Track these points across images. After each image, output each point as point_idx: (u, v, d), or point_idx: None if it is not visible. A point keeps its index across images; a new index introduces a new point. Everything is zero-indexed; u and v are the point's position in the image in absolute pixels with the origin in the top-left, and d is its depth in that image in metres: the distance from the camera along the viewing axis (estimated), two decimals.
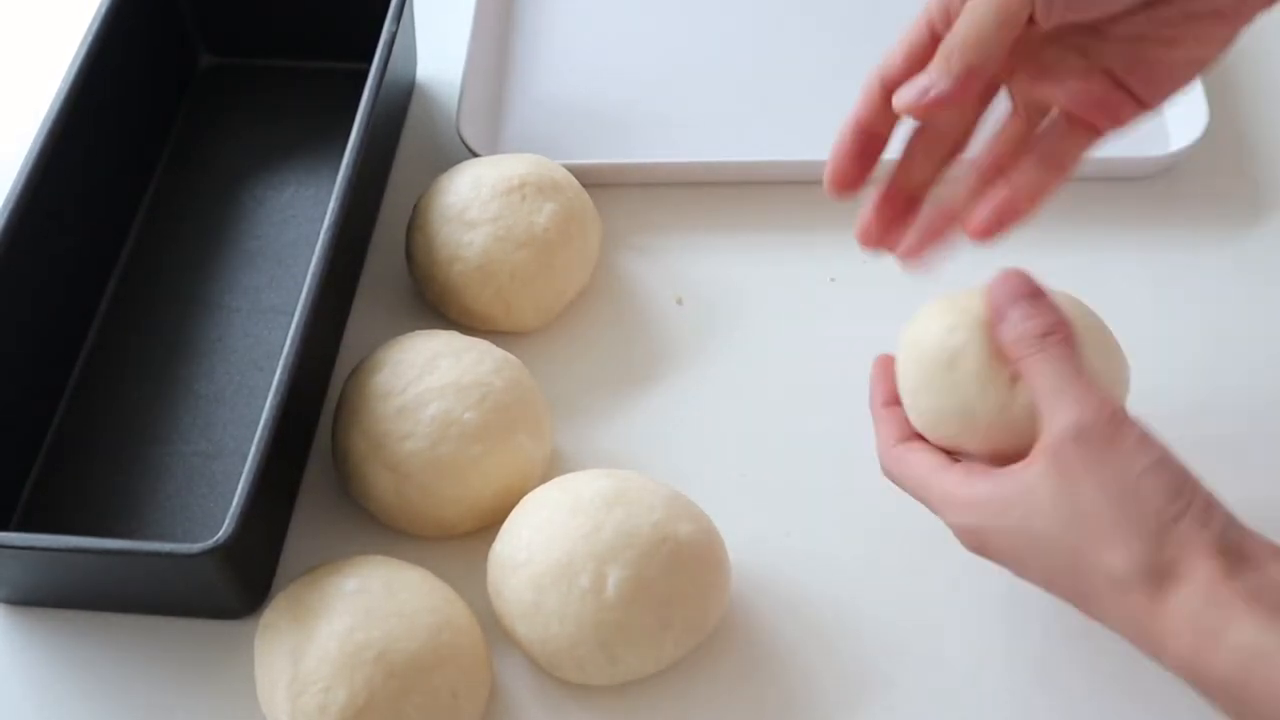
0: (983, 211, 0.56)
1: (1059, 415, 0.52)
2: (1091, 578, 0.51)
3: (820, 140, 0.80)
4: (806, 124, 0.81)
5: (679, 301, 0.74)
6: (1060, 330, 0.54)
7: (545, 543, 0.60)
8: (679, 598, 0.59)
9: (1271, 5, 0.54)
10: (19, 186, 0.68)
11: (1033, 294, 0.56)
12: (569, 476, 0.63)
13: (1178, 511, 0.49)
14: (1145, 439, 0.51)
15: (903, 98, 0.54)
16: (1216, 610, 0.47)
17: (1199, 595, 0.48)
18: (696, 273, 0.75)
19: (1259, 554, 0.49)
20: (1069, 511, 0.51)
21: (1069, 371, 0.53)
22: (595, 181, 0.76)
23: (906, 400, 0.59)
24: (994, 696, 0.61)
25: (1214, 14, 0.54)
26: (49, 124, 0.71)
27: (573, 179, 0.74)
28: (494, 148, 0.80)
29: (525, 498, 0.63)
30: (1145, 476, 0.50)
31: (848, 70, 0.85)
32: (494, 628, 0.62)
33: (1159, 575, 0.49)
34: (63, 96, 0.72)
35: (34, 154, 0.69)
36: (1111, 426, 0.51)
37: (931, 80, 0.53)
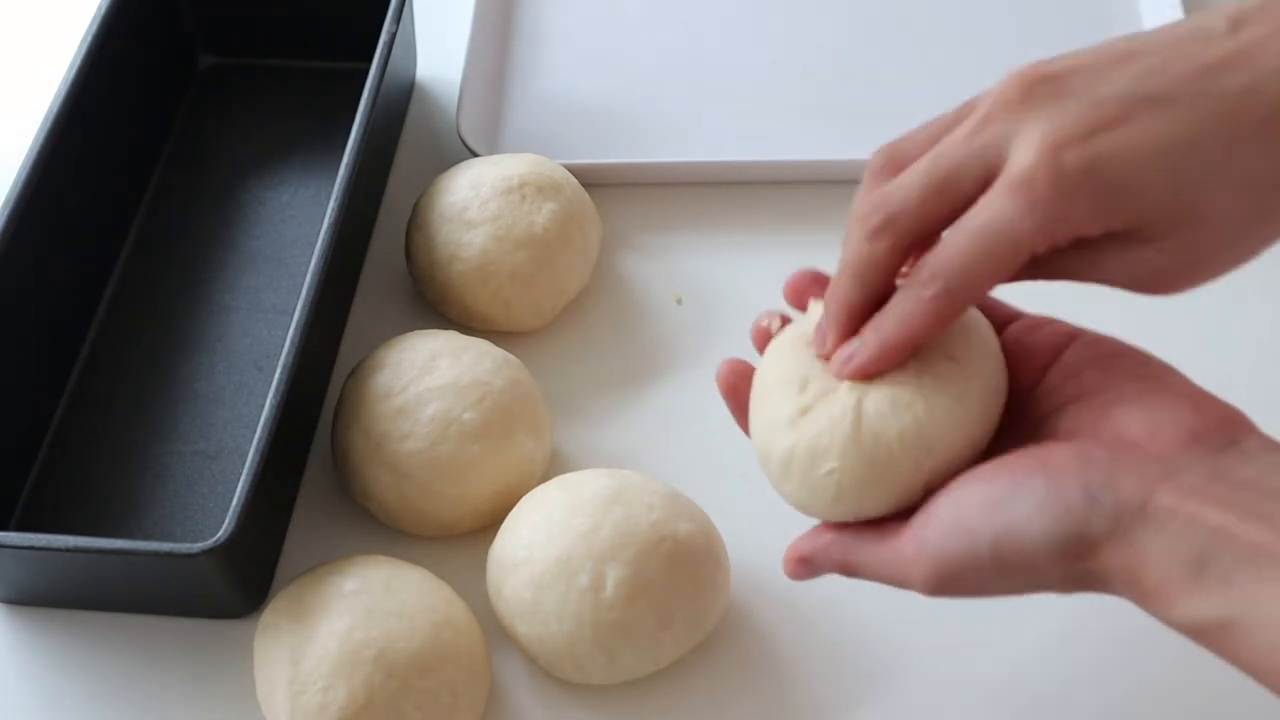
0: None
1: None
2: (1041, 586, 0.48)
3: (821, 140, 0.81)
4: (807, 124, 0.81)
5: (679, 301, 0.74)
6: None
7: (544, 542, 0.60)
8: (678, 597, 0.59)
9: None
10: (19, 186, 0.68)
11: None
12: (568, 476, 0.63)
13: (1079, 552, 0.45)
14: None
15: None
16: (1152, 600, 0.44)
17: (1131, 585, 0.44)
18: (696, 273, 0.75)
19: (1152, 541, 0.44)
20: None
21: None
22: (595, 181, 0.76)
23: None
24: (994, 696, 0.61)
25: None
26: (49, 124, 0.71)
27: (573, 179, 0.74)
28: (494, 147, 0.80)
29: (525, 497, 0.63)
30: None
31: (849, 70, 0.85)
32: (493, 627, 0.62)
33: (1090, 583, 0.46)
34: (63, 96, 0.72)
35: (34, 154, 0.69)
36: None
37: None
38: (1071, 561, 0.45)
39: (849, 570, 0.52)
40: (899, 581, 0.50)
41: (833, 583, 0.64)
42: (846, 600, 0.63)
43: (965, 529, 0.47)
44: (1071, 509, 0.45)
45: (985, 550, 0.46)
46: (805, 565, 0.53)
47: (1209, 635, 0.43)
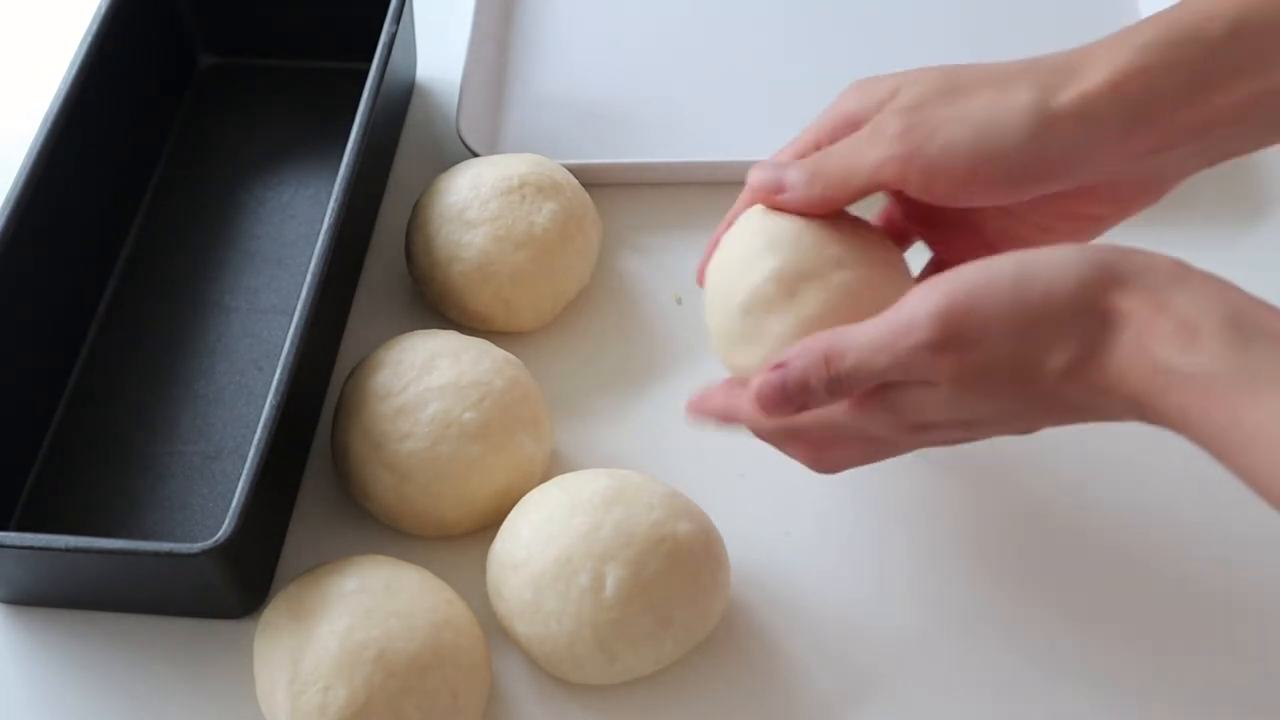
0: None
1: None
2: (1042, 384, 0.49)
3: None
4: (807, 124, 0.81)
5: (679, 301, 0.74)
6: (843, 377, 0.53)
7: (544, 542, 0.60)
8: (678, 597, 0.59)
9: (1148, 205, 0.58)
10: (19, 186, 0.68)
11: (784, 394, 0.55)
12: (568, 476, 0.63)
13: (1102, 281, 0.48)
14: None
15: (759, 176, 0.59)
16: (1156, 341, 0.47)
17: (1138, 332, 0.47)
18: (695, 272, 0.75)
19: (1179, 294, 0.48)
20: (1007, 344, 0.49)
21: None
22: (595, 181, 0.76)
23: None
24: (993, 696, 0.61)
25: (1092, 217, 0.57)
26: (49, 124, 0.71)
27: (573, 179, 0.74)
28: (494, 147, 0.80)
29: (525, 497, 0.63)
30: (1053, 278, 0.49)
31: (849, 70, 0.85)
32: (494, 627, 0.62)
33: (1100, 331, 0.48)
34: (63, 96, 0.72)
35: (34, 154, 0.69)
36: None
37: (791, 182, 0.58)
38: (1094, 293, 0.47)
39: (836, 372, 0.52)
40: (894, 345, 0.50)
41: (832, 583, 0.64)
42: (846, 600, 0.64)
43: (988, 261, 0.50)
44: (1102, 252, 0.49)
45: (1008, 275, 0.49)
46: (780, 387, 0.53)
47: (1216, 390, 0.45)
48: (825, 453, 0.58)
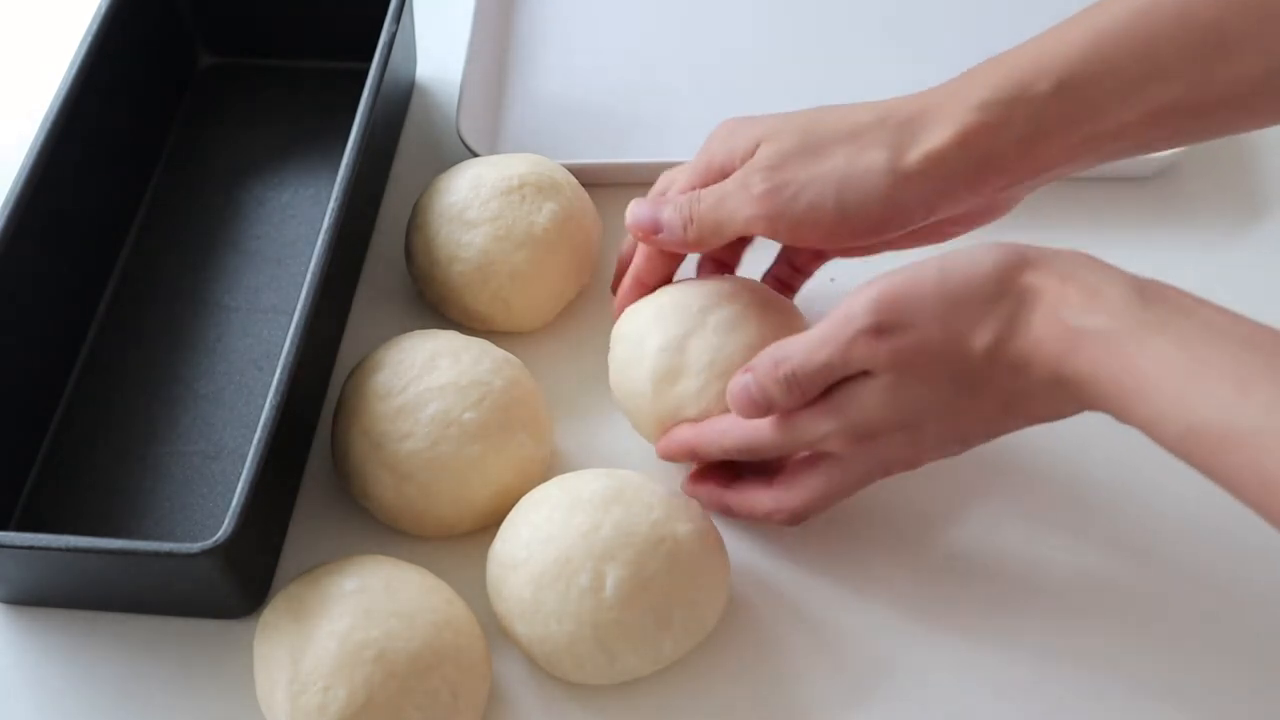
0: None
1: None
2: (972, 363, 0.54)
3: None
4: None
5: None
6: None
7: (544, 541, 0.60)
8: (678, 598, 0.59)
9: (996, 219, 0.64)
10: (19, 186, 0.68)
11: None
12: (568, 476, 0.63)
13: (1016, 264, 0.54)
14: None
15: (638, 213, 0.65)
16: (1065, 307, 0.52)
17: (1050, 302, 0.53)
18: (696, 273, 0.75)
19: (1086, 270, 0.53)
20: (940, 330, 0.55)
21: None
22: (595, 181, 0.76)
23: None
24: (993, 697, 0.61)
25: (945, 234, 0.64)
26: (49, 123, 0.71)
27: (573, 179, 0.74)
28: (494, 147, 0.80)
29: (525, 497, 0.63)
30: (971, 269, 0.55)
31: (848, 71, 0.85)
32: (494, 627, 0.62)
33: (1017, 308, 0.53)
34: (62, 96, 0.72)
35: (34, 153, 0.69)
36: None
37: (667, 223, 0.64)
38: (1009, 274, 0.54)
39: (785, 371, 0.57)
40: (836, 337, 0.56)
41: (833, 583, 0.64)
42: (847, 600, 0.63)
43: (915, 262, 0.56)
44: (1013, 245, 0.55)
45: (932, 269, 0.55)
46: (745, 388, 0.59)
47: (1115, 342, 0.50)
48: (789, 491, 0.61)
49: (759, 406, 0.59)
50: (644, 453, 0.68)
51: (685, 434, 0.63)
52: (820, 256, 0.70)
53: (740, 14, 0.88)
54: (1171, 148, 0.62)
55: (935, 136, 0.58)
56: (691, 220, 0.63)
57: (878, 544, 0.65)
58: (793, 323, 0.66)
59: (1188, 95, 0.56)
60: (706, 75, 0.84)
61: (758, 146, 0.62)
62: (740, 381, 0.59)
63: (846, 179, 0.59)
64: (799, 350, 0.57)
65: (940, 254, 0.56)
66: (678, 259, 0.68)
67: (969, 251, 0.55)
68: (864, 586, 0.64)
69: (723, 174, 0.63)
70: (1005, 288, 0.54)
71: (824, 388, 0.57)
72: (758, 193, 0.61)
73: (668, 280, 0.69)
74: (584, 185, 0.75)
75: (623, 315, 0.68)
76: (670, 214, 0.64)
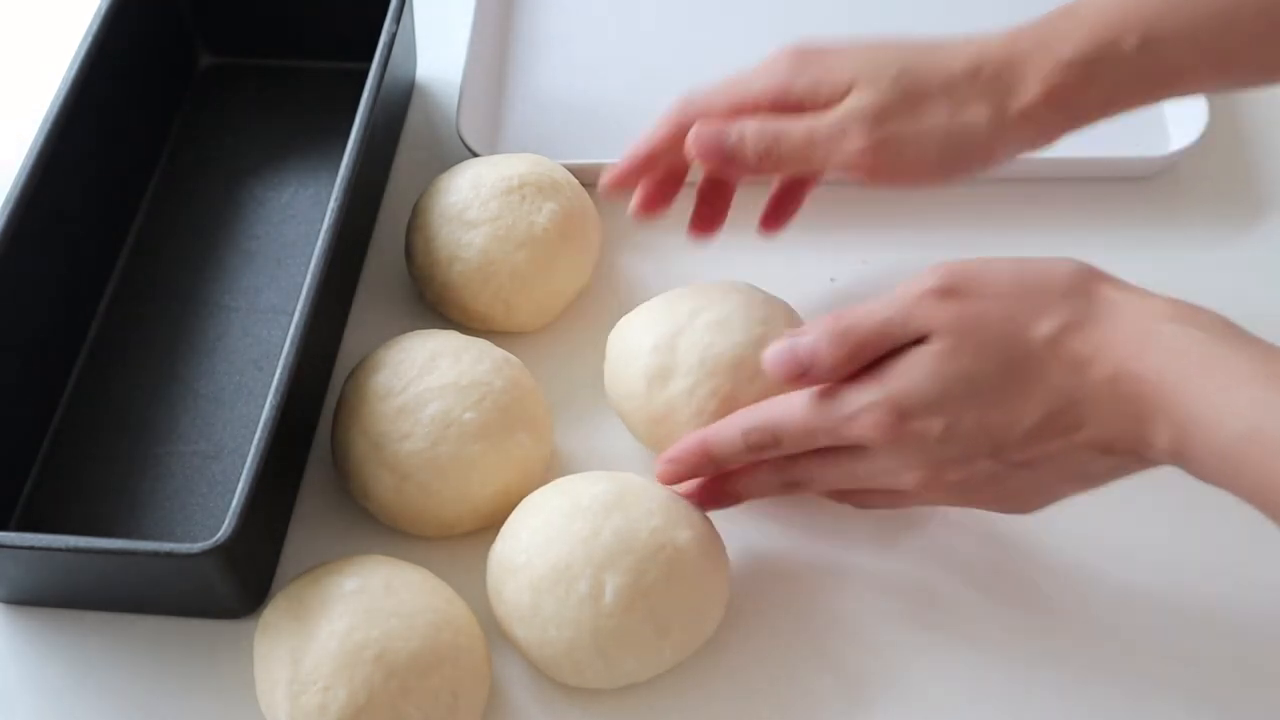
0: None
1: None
2: (1029, 349, 0.54)
3: None
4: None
5: None
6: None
7: (543, 546, 0.59)
8: (677, 605, 0.59)
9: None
10: (19, 186, 0.68)
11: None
12: (568, 479, 0.63)
13: (1095, 274, 0.55)
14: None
15: (703, 140, 0.64)
16: (1147, 314, 0.53)
17: (1135, 309, 0.53)
18: (696, 273, 0.75)
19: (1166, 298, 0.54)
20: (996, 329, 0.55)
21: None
22: (595, 181, 0.76)
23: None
24: (994, 695, 0.61)
25: None
26: (49, 124, 0.71)
27: (573, 179, 0.74)
28: (494, 148, 0.80)
29: (525, 500, 0.63)
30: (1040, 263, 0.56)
31: None
32: (494, 628, 0.62)
33: (1088, 306, 0.54)
34: (63, 96, 0.72)
35: (34, 154, 0.69)
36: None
37: (740, 151, 0.63)
38: (1087, 281, 0.55)
39: (841, 323, 0.57)
40: (901, 296, 0.56)
41: (832, 586, 0.64)
42: (847, 601, 0.63)
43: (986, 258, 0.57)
44: (1091, 264, 0.56)
45: (1009, 260, 0.56)
46: (790, 346, 0.58)
47: (1195, 351, 0.51)
48: (798, 470, 0.61)
49: (800, 363, 0.57)
50: (644, 453, 0.68)
51: (694, 435, 0.61)
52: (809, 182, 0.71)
53: (740, 14, 0.87)
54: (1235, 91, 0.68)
55: (1028, 92, 0.60)
56: (769, 155, 0.63)
57: (878, 549, 0.65)
58: (786, 322, 0.66)
59: (1264, 53, 0.58)
60: (707, 75, 0.84)
61: (849, 89, 0.62)
62: (783, 342, 0.58)
63: (950, 134, 0.61)
64: (860, 309, 0.57)
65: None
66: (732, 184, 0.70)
67: (1046, 258, 0.57)
68: (864, 587, 0.64)
69: (800, 106, 0.63)
70: (1081, 289, 0.55)
71: (876, 354, 0.56)
72: (860, 146, 0.61)
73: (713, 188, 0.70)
74: (584, 185, 0.75)
75: (619, 322, 0.69)
76: (750, 142, 0.63)
